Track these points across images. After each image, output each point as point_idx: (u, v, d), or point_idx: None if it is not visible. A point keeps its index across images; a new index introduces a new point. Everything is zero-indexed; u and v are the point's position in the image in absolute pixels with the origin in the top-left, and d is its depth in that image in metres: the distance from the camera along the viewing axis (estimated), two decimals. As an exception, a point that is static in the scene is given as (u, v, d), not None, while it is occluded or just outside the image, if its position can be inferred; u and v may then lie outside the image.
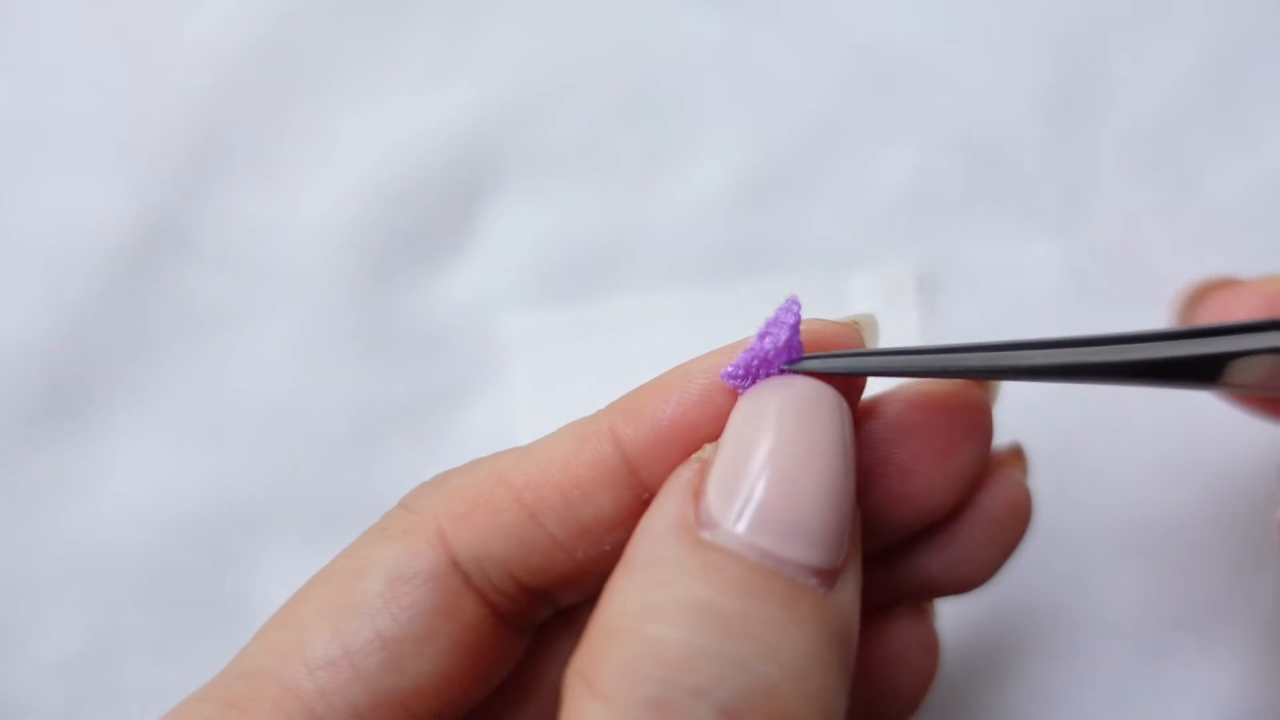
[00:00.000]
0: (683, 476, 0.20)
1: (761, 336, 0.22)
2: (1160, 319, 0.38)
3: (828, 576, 0.19)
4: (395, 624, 0.21)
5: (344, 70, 0.40)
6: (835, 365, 0.22)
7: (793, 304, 0.22)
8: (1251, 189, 0.39)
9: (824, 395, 0.21)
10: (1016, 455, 0.27)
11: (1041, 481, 0.37)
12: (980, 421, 0.24)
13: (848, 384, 0.22)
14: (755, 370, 0.21)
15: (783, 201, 0.39)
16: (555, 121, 0.40)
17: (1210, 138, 0.39)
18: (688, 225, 0.39)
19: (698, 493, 0.20)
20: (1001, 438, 0.26)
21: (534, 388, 0.39)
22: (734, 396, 0.21)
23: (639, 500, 0.21)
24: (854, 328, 0.23)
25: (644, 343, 0.39)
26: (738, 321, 0.38)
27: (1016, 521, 0.26)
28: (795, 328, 0.22)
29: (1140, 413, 0.38)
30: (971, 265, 0.39)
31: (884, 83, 0.40)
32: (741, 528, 0.19)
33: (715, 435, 0.21)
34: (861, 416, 0.23)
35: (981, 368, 0.22)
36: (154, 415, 0.39)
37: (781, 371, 0.21)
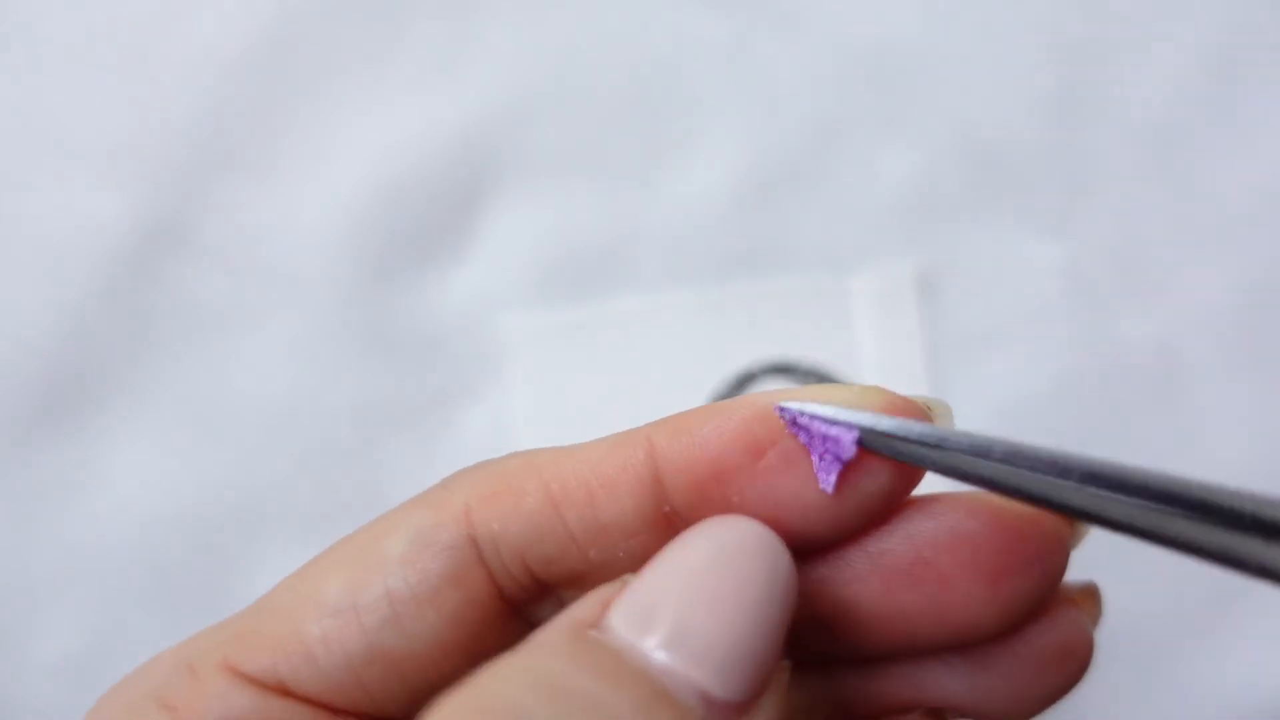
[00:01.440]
0: (602, 589, 0.21)
1: (819, 455, 0.21)
2: (1159, 319, 0.38)
3: (722, 709, 0.19)
4: (404, 585, 0.22)
5: (344, 70, 0.40)
6: (903, 450, 0.20)
7: (851, 429, 0.21)
8: (1251, 189, 0.39)
9: (757, 544, 0.20)
10: (1089, 595, 0.24)
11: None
12: (1048, 556, 0.21)
13: (904, 480, 0.21)
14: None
15: (783, 201, 0.39)
16: (555, 121, 0.40)
17: (1210, 138, 0.39)
18: (688, 225, 0.39)
19: (607, 604, 0.20)
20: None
21: (534, 388, 0.39)
22: (775, 429, 0.21)
23: (659, 510, 0.22)
24: (923, 408, 0.22)
25: (644, 343, 0.39)
26: (738, 321, 0.38)
27: (1067, 668, 0.22)
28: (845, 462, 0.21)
29: (1143, 412, 0.38)
30: (971, 265, 0.39)
31: (884, 83, 0.40)
32: (634, 636, 0.19)
33: (745, 461, 0.21)
34: (912, 510, 0.22)
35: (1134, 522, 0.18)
36: (154, 415, 0.39)
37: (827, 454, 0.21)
